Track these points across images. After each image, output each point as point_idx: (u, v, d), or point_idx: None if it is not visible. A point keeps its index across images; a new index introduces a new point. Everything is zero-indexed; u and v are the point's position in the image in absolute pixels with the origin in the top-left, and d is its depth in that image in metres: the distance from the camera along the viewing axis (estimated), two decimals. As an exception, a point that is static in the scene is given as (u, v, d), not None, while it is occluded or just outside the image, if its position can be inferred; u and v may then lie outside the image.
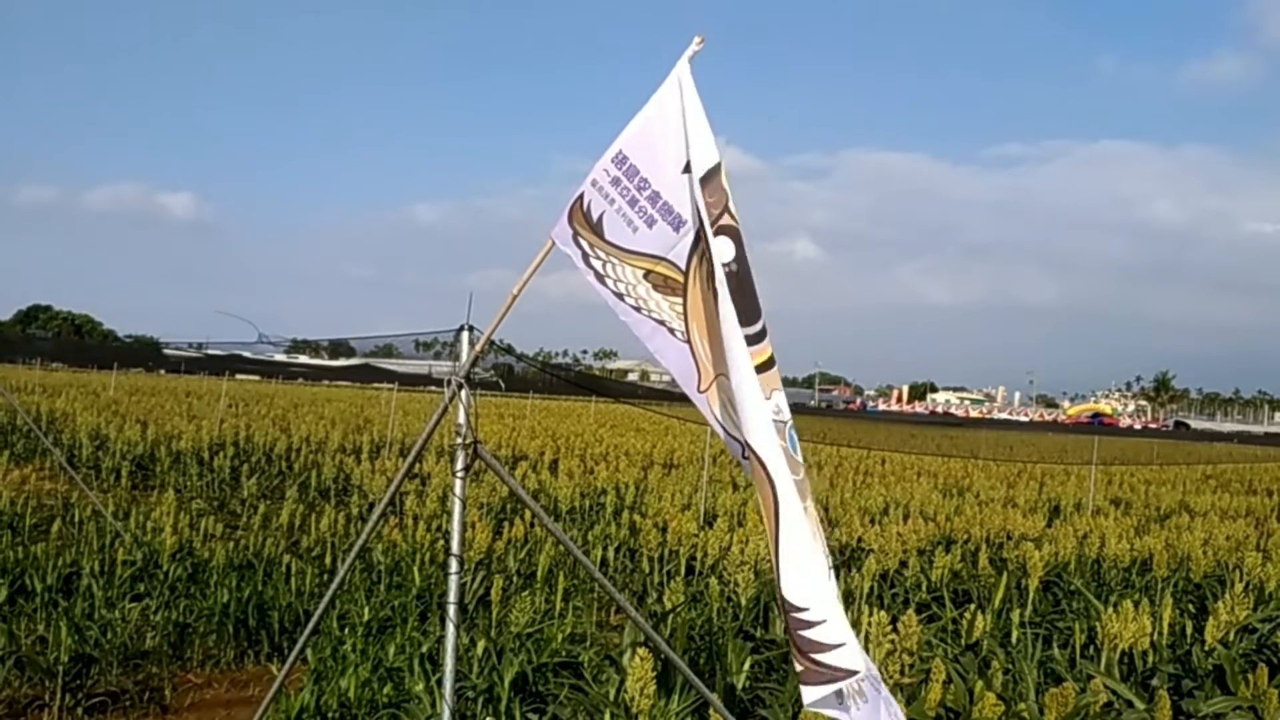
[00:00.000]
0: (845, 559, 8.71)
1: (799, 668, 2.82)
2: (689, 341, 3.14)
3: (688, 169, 3.08)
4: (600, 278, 3.17)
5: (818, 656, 2.80)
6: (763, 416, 2.85)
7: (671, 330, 3.16)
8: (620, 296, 3.17)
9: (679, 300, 3.13)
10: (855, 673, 2.80)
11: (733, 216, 3.00)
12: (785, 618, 2.83)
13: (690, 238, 3.10)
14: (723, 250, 2.94)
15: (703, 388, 3.16)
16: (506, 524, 8.49)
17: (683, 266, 3.12)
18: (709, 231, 2.94)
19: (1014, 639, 6.19)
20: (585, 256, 3.17)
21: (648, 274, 3.15)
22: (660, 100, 3.15)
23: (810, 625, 2.79)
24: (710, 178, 2.99)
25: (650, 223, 3.12)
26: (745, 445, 2.89)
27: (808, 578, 2.83)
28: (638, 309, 3.17)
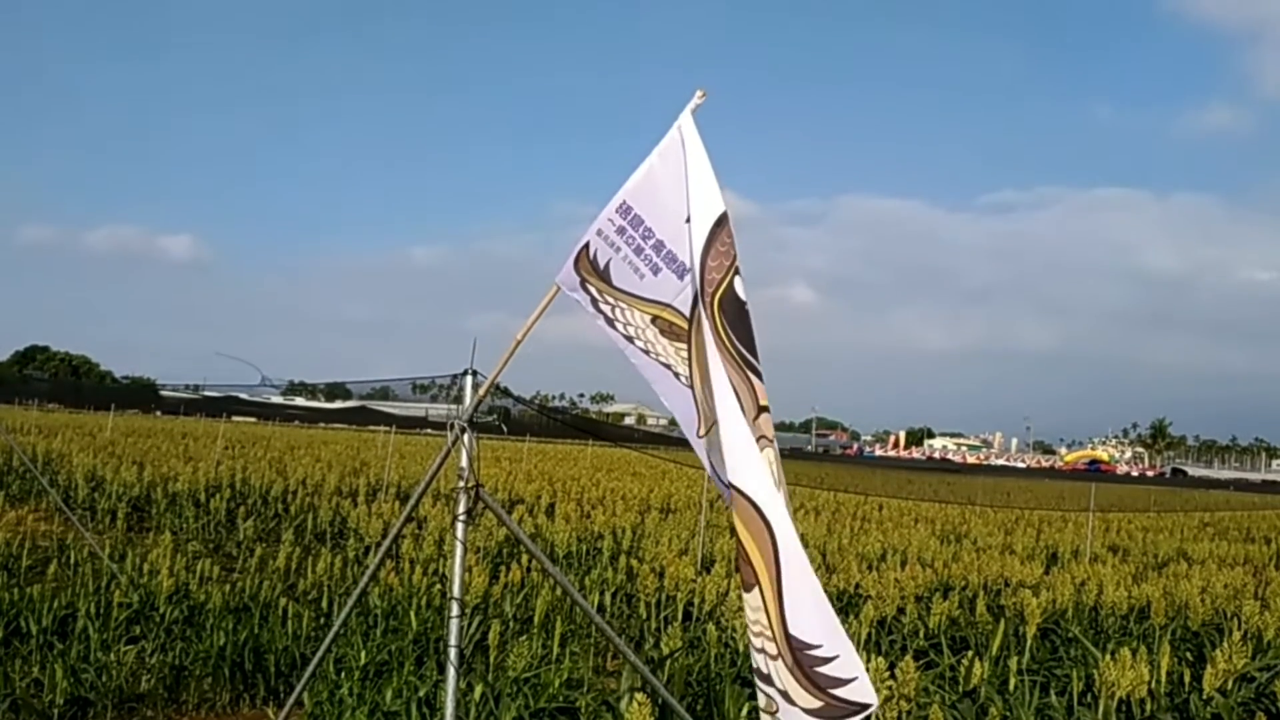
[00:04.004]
0: (843, 605, 8.68)
1: (814, 704, 2.85)
2: (691, 387, 3.23)
3: (690, 219, 3.18)
4: (610, 322, 3.27)
5: (835, 692, 2.84)
6: (754, 456, 2.93)
7: (677, 375, 3.26)
8: (630, 339, 3.27)
9: (684, 346, 3.23)
10: (869, 706, 2.84)
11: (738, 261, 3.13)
12: (793, 656, 2.86)
13: (695, 286, 3.19)
14: (739, 289, 3.08)
15: (701, 433, 3.24)
16: (503, 568, 8.47)
17: (686, 313, 3.21)
18: (707, 275, 3.04)
19: (1011, 686, 6.17)
20: (594, 301, 3.27)
21: (655, 319, 3.25)
22: (663, 151, 3.25)
23: (825, 661, 2.84)
24: (720, 225, 3.10)
25: (655, 270, 3.22)
26: (730, 486, 2.97)
27: (817, 613, 2.89)
28: (646, 352, 3.27)
